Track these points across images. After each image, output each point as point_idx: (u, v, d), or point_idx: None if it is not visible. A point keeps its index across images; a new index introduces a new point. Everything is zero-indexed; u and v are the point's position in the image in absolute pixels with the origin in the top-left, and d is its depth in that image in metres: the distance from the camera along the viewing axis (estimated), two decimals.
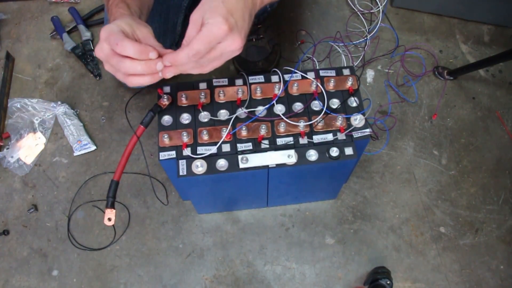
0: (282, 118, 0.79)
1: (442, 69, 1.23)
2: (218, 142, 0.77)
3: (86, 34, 1.27)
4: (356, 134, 0.79)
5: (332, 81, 0.83)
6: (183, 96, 0.81)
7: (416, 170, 1.10)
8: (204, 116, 0.81)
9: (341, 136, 0.79)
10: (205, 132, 0.78)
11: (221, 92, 0.81)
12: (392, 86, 1.21)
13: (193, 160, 0.76)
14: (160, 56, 0.62)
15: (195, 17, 0.61)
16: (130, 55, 0.60)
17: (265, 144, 0.78)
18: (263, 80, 0.85)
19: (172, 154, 0.77)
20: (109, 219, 0.71)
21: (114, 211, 0.72)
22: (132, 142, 0.73)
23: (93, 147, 1.12)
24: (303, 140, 0.78)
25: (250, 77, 0.84)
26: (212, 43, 0.60)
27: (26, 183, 1.10)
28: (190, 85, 0.84)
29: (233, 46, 0.61)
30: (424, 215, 1.05)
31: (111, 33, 0.60)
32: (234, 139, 0.79)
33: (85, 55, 1.25)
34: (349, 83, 0.84)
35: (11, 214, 1.06)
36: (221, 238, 1.02)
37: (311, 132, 0.79)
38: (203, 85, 0.84)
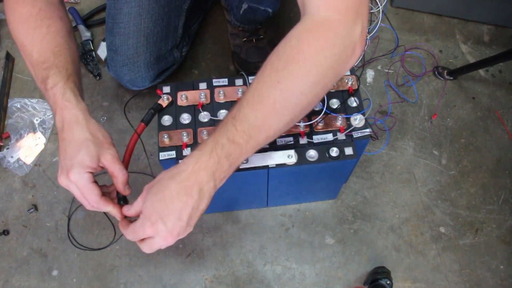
0: None
1: (442, 69, 1.23)
2: None
3: (86, 34, 1.27)
4: (356, 134, 0.79)
5: None
6: (183, 96, 0.81)
7: (416, 170, 1.10)
8: (204, 116, 0.80)
9: (341, 136, 0.79)
10: (205, 132, 0.78)
11: (221, 92, 0.81)
12: (392, 86, 1.21)
13: None
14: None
15: (139, 201, 0.65)
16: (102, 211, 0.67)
17: None
18: None
19: (172, 154, 0.77)
20: None
21: None
22: (133, 140, 0.74)
23: None
24: (303, 140, 0.78)
25: (250, 77, 0.84)
26: (140, 238, 0.64)
27: (26, 183, 1.10)
28: (190, 85, 0.84)
29: (163, 244, 0.64)
30: (424, 215, 1.05)
31: (84, 187, 0.63)
32: None
33: (85, 55, 1.25)
34: (349, 83, 0.83)
35: (11, 214, 1.06)
36: (221, 238, 1.02)
37: (311, 132, 0.79)
38: (203, 85, 0.84)
